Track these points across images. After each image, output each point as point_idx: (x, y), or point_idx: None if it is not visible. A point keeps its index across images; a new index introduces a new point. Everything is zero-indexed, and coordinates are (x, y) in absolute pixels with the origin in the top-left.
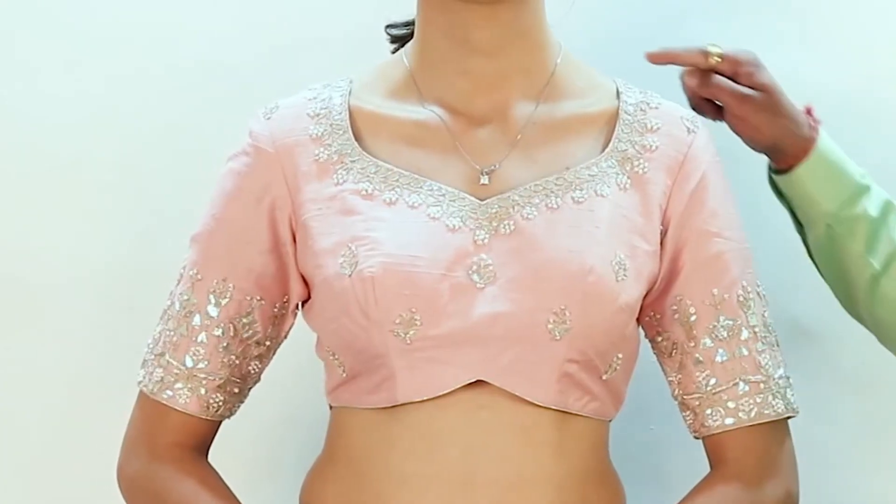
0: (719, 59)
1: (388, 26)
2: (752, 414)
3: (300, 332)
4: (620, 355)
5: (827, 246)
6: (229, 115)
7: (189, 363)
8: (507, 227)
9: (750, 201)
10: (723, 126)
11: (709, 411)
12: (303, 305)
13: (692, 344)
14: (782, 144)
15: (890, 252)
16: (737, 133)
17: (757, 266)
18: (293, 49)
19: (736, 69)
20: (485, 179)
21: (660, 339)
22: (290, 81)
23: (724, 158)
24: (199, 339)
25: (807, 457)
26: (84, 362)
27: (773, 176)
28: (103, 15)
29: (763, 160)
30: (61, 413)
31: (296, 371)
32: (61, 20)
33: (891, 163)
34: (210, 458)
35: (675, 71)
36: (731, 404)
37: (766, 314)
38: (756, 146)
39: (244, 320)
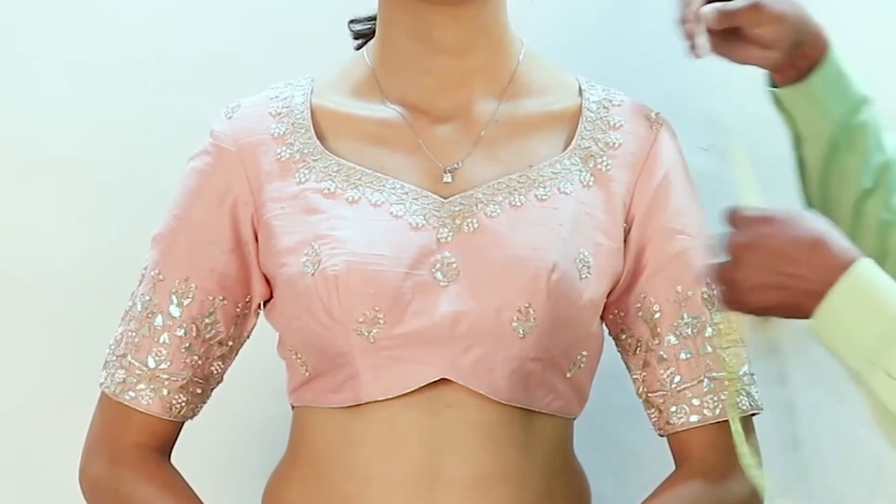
0: None
1: (351, 21)
2: (717, 411)
3: (262, 332)
4: (584, 353)
5: (826, 160)
6: None
7: (151, 364)
8: (470, 224)
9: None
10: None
11: (673, 409)
12: (265, 305)
13: (656, 341)
14: (804, 34)
15: (881, 166)
16: (761, 45)
17: None
18: (295, 46)
19: None
20: (448, 178)
21: (624, 336)
22: (292, 78)
23: (711, 156)
24: (162, 340)
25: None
26: (89, 361)
27: (779, 91)
28: (103, 15)
29: (757, 160)
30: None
31: (258, 371)
32: (61, 19)
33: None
34: (173, 459)
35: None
36: (695, 402)
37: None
38: (780, 45)
39: (206, 320)
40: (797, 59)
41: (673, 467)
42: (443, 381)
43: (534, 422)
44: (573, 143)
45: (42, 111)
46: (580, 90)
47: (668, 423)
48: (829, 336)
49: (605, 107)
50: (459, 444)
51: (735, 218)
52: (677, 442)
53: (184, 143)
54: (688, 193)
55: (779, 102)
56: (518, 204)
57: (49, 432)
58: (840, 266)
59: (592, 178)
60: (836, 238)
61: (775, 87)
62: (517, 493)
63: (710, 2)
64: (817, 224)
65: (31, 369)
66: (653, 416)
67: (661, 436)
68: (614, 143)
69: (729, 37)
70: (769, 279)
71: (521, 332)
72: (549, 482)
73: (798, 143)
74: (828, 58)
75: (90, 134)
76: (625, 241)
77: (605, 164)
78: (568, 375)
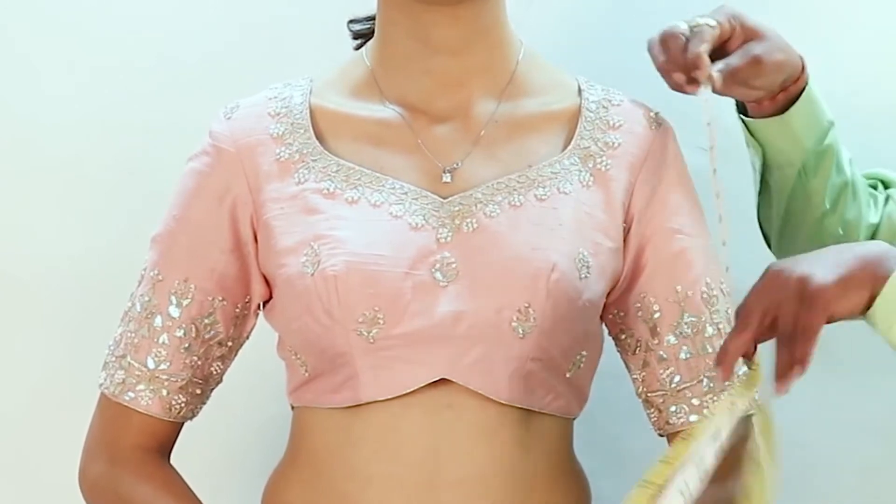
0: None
1: (350, 21)
2: None
3: (262, 333)
4: (584, 353)
5: (794, 185)
6: None
7: (151, 364)
8: (469, 225)
9: (742, 198)
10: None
11: (673, 408)
12: (264, 305)
13: (656, 341)
14: (791, 66)
15: (839, 187)
16: (749, 87)
17: (748, 265)
18: (295, 47)
19: (727, 37)
20: (447, 178)
21: (623, 336)
22: (291, 79)
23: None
24: (161, 341)
25: (799, 456)
26: (89, 361)
27: (754, 122)
28: (103, 15)
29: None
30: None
31: (258, 372)
32: (61, 19)
33: (892, 163)
34: (173, 460)
35: None
36: (695, 401)
37: (729, 311)
38: (772, 85)
39: (206, 321)
40: (778, 93)
41: None
42: (442, 381)
43: (533, 422)
44: (572, 142)
45: (42, 111)
46: (579, 90)
47: (667, 422)
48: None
49: (604, 107)
50: (459, 444)
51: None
52: None
53: (184, 143)
54: (687, 193)
55: (751, 132)
56: (517, 204)
57: (49, 432)
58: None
59: (592, 178)
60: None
61: (747, 115)
62: (517, 493)
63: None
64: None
65: (31, 369)
66: (652, 415)
67: (661, 435)
68: (614, 143)
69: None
70: (828, 261)
71: (520, 331)
72: (549, 482)
73: (765, 169)
74: (807, 91)
75: (90, 134)
76: (624, 240)
77: (604, 163)
78: (568, 375)
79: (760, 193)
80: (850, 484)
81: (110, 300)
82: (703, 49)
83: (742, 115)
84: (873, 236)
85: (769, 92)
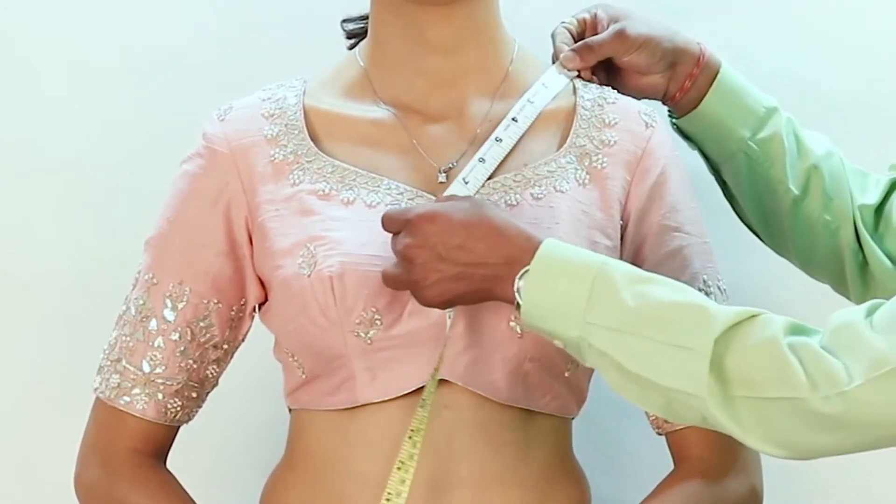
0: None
1: (343, 21)
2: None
3: (258, 335)
4: None
5: (748, 178)
6: None
7: (146, 368)
8: None
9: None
10: None
11: None
12: (260, 308)
13: None
14: (677, 54)
15: (806, 171)
16: (638, 71)
17: (744, 262)
18: (296, 46)
19: (588, 25)
20: (442, 177)
21: None
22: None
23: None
24: (156, 344)
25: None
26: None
27: (680, 122)
28: (103, 15)
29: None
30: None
31: (254, 374)
32: (61, 19)
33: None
34: (169, 463)
35: None
36: None
37: None
38: (656, 68)
39: (201, 324)
40: (680, 81)
41: (672, 467)
42: (440, 381)
43: (532, 422)
44: (568, 141)
45: (42, 111)
46: (574, 89)
47: (665, 422)
48: (542, 317)
49: (599, 105)
50: (458, 445)
51: (396, 221)
52: (675, 441)
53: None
54: (684, 190)
55: (683, 133)
56: (514, 203)
57: (47, 432)
58: (525, 249)
59: (588, 176)
60: (509, 221)
61: (680, 116)
62: (516, 493)
63: (579, 37)
64: (484, 211)
65: (30, 369)
66: (651, 415)
67: (660, 434)
68: (609, 141)
69: (609, 70)
70: (447, 272)
71: (518, 331)
72: (548, 482)
73: (715, 171)
74: (720, 77)
75: (90, 134)
76: (621, 238)
77: (600, 161)
78: (566, 375)
79: (728, 197)
80: (850, 484)
81: (110, 300)
82: (558, 40)
83: (672, 119)
84: (877, 218)
85: (662, 77)
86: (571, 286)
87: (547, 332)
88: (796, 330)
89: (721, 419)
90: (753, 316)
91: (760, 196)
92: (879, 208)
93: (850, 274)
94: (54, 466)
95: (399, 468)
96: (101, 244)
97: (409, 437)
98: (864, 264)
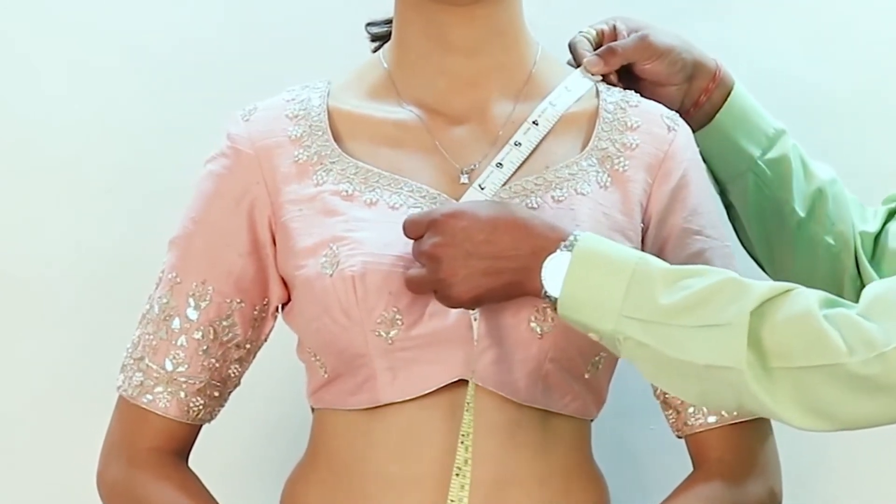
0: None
1: (368, 24)
2: (735, 412)
3: (281, 335)
4: (602, 354)
5: (754, 197)
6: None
7: (169, 367)
8: None
9: None
10: None
11: (691, 410)
12: (283, 307)
13: None
14: (696, 68)
15: (812, 195)
16: (657, 82)
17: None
18: (296, 47)
19: (612, 37)
20: (464, 179)
21: None
22: (293, 79)
23: None
24: (179, 343)
25: (807, 457)
26: (89, 362)
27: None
28: (103, 15)
29: None
30: (33, 414)
31: (277, 374)
32: (61, 19)
33: (892, 162)
34: (191, 462)
35: None
36: None
37: None
38: (674, 79)
39: (224, 323)
40: (696, 95)
41: (691, 469)
42: (461, 382)
43: (551, 423)
44: (590, 144)
45: (42, 111)
46: (597, 92)
47: (685, 424)
48: (578, 309)
49: (621, 108)
50: (477, 445)
51: (419, 224)
52: (695, 443)
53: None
54: (705, 194)
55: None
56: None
57: (50, 433)
58: (553, 239)
59: (609, 179)
60: (532, 215)
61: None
62: (535, 494)
63: (598, 46)
64: (508, 208)
65: (30, 369)
66: (670, 417)
67: (679, 437)
68: (631, 144)
69: (627, 81)
70: (476, 267)
71: (539, 331)
72: (567, 484)
73: (723, 191)
74: (733, 95)
75: (90, 134)
76: (643, 241)
77: (622, 164)
78: (586, 376)
79: (730, 217)
80: (850, 484)
81: (110, 300)
82: (580, 48)
83: None
84: (874, 246)
85: (679, 89)
86: (610, 279)
87: (582, 325)
88: (831, 303)
89: (759, 393)
90: (788, 290)
91: (765, 217)
92: (878, 236)
93: (848, 297)
94: (61, 464)
95: (457, 474)
96: (101, 244)
97: (461, 443)
98: (861, 289)
